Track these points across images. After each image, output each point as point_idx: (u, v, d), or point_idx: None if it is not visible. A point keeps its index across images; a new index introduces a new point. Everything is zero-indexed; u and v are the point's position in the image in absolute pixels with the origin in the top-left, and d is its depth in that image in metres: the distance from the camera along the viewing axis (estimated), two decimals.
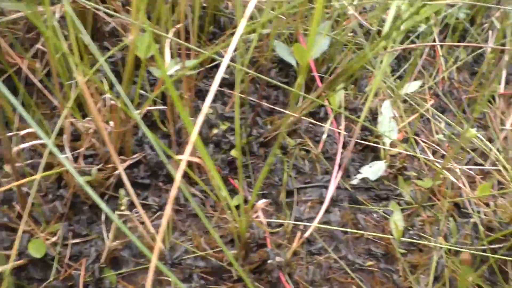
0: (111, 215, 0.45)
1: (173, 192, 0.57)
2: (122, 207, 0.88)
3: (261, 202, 0.74)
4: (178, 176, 0.55)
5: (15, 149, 0.81)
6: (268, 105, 1.06)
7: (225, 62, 0.59)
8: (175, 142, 0.99)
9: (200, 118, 0.58)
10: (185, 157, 0.56)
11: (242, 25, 0.60)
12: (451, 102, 1.36)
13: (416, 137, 1.21)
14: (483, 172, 1.19)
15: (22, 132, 0.85)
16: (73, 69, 0.72)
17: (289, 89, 0.75)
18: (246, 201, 0.94)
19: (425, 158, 1.08)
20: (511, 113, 1.30)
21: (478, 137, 1.22)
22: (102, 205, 0.44)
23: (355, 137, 0.90)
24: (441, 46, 1.47)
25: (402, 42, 1.46)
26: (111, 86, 0.95)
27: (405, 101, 1.31)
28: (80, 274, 0.83)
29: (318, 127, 1.11)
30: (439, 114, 1.26)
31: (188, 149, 0.56)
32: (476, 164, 1.22)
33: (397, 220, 0.86)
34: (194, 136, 0.57)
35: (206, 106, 0.58)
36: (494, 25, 1.47)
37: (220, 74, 0.59)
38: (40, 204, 0.89)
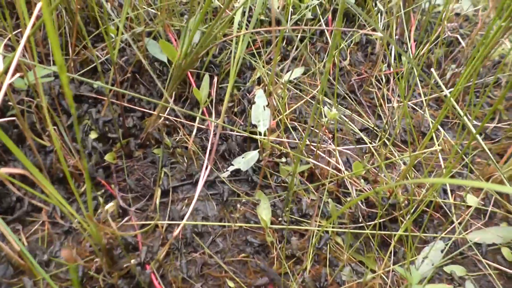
0: None
1: None
2: None
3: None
4: None
5: None
6: (131, 105, 1.04)
7: (14, 61, 0.57)
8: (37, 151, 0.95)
9: None
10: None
11: (31, 21, 0.58)
12: (342, 85, 1.39)
13: (304, 124, 1.23)
14: (372, 150, 1.23)
15: None
16: None
17: (140, 96, 0.73)
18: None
19: (288, 143, 1.10)
20: (397, 91, 1.34)
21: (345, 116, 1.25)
22: None
23: (219, 131, 0.90)
24: (332, 31, 1.50)
25: (293, 31, 1.47)
26: None
27: (295, 89, 1.33)
28: None
29: (200, 123, 1.10)
30: (326, 98, 1.28)
31: None
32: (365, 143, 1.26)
33: (263, 209, 0.87)
34: None
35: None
36: (381, 9, 1.50)
37: (8, 77, 0.57)
38: None
